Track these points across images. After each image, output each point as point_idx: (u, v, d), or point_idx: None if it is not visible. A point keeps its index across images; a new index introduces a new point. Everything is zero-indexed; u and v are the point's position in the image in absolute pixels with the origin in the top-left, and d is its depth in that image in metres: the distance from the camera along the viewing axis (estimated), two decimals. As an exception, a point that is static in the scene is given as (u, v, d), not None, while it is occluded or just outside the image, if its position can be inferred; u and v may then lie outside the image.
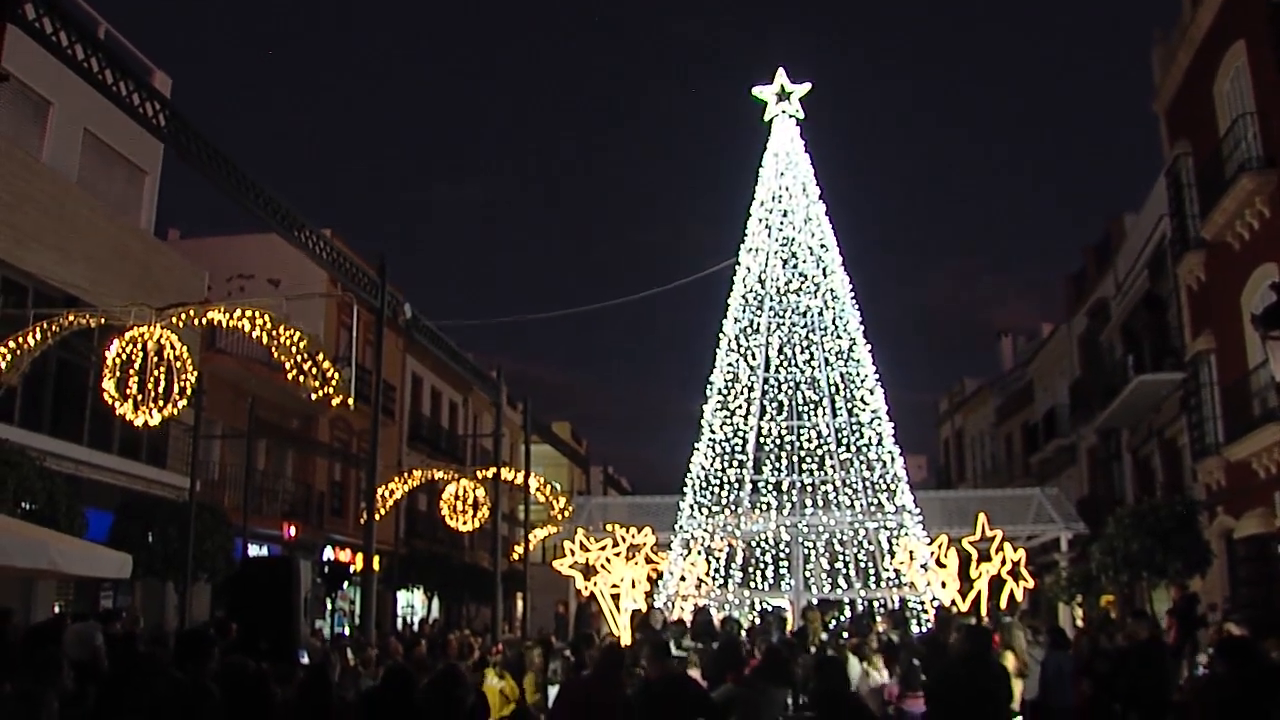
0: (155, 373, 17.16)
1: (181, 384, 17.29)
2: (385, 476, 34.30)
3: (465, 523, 35.58)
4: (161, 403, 17.17)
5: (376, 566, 25.73)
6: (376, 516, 23.73)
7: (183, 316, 18.16)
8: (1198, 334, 29.25)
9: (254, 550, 31.23)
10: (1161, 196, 31.88)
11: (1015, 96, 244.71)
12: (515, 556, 41.67)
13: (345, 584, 34.70)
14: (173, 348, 17.37)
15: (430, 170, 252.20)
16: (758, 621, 23.55)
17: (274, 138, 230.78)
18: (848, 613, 25.23)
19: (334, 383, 17.92)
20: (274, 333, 17.71)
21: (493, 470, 33.41)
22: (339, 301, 35.29)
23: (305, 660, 15.48)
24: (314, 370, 17.76)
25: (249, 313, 17.97)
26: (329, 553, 38.15)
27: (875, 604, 25.58)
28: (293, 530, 33.31)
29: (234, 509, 30.13)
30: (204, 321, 18.93)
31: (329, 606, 32.25)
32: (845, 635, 21.16)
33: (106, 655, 14.54)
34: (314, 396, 18.41)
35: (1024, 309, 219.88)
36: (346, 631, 33.47)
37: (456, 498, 35.45)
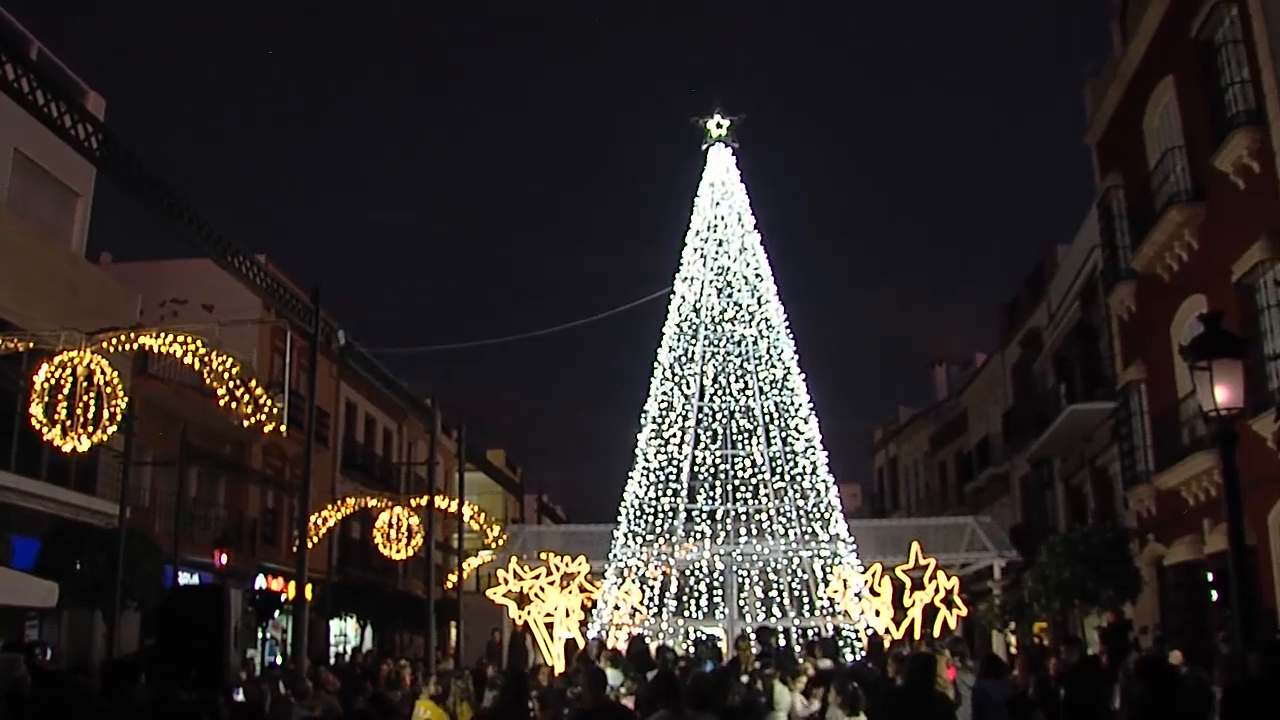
0: (85, 398, 16.98)
1: (112, 409, 17.11)
2: (318, 504, 34.07)
3: (399, 551, 35.42)
4: (91, 428, 16.98)
5: (309, 595, 25.54)
6: (309, 544, 23.56)
7: (114, 341, 18.00)
8: (1129, 364, 29.55)
9: (185, 578, 30.92)
10: (1093, 228, 32.21)
11: (951, 125, 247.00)
12: (449, 585, 41.46)
13: (277, 613, 34.42)
14: (103, 373, 17.19)
15: (366, 195, 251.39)
16: (692, 650, 23.51)
17: (210, 161, 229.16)
18: (779, 642, 25.25)
19: (267, 409, 17.82)
20: (206, 358, 17.60)
21: (427, 498, 33.23)
22: (273, 328, 35.07)
23: (239, 697, 15.31)
24: (247, 396, 17.66)
25: (181, 338, 17.85)
26: (261, 581, 37.81)
27: (809, 632, 25.59)
28: (224, 558, 32.96)
29: (164, 536, 29.80)
30: (135, 346, 18.77)
31: (260, 635, 31.94)
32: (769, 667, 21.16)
33: (31, 686, 14.32)
34: (247, 423, 18.30)
35: (958, 338, 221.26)
36: (278, 661, 33.15)
37: (390, 526, 35.30)
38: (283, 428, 18.86)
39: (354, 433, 49.09)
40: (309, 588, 24.64)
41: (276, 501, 42.40)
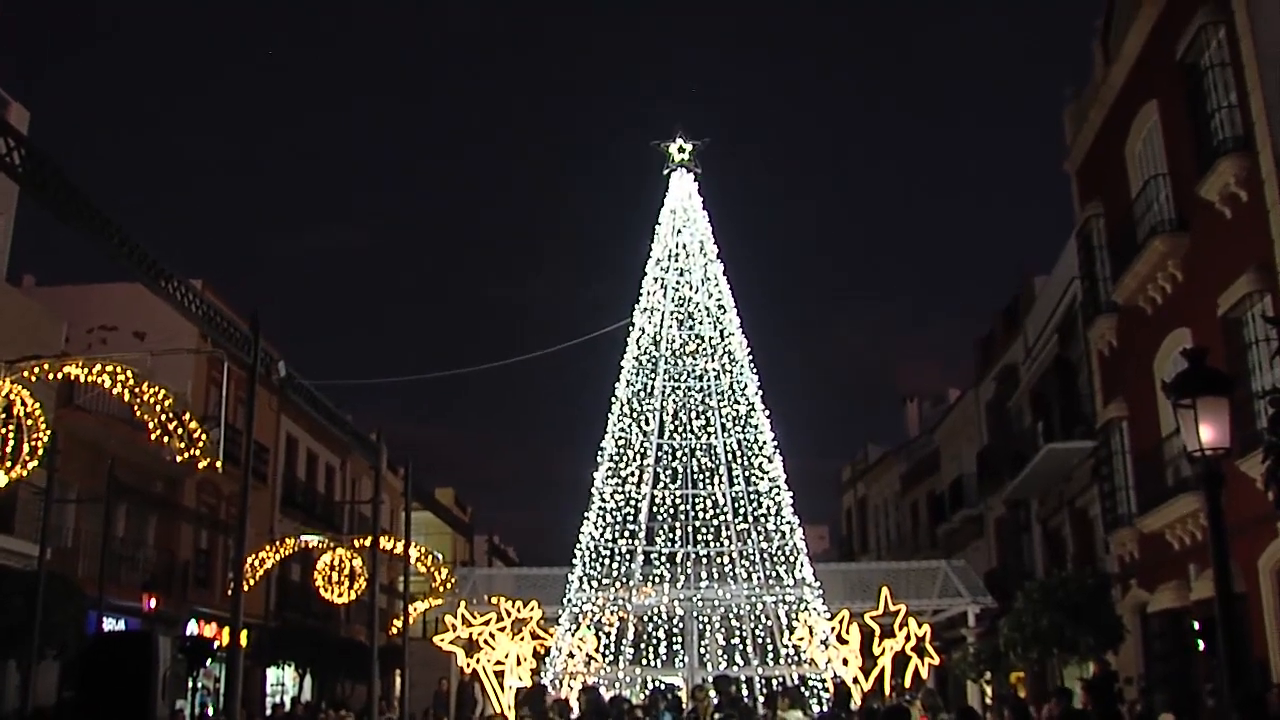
0: (3, 430, 16.68)
1: (33, 443, 16.80)
2: (256, 544, 33.70)
3: (341, 594, 35.00)
4: (10, 463, 16.67)
5: (244, 641, 25.19)
6: (245, 587, 23.25)
7: (36, 370, 17.69)
8: (1109, 401, 29.55)
9: (110, 624, 30.46)
10: (1072, 258, 32.26)
11: (926, 150, 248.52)
12: (394, 631, 41.13)
13: (209, 661, 33.98)
14: (24, 404, 16.89)
15: (310, 220, 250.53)
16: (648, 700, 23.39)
17: (143, 182, 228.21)
18: (742, 691, 25.12)
19: (201, 444, 17.57)
20: (137, 389, 17.33)
21: (371, 538, 32.94)
22: (209, 357, 34.74)
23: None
24: (180, 430, 17.41)
25: (110, 367, 17.57)
26: (192, 627, 37.36)
27: (774, 682, 25.50)
28: (153, 602, 32.53)
29: (88, 579, 29.33)
30: (60, 376, 18.46)
31: (191, 685, 31.52)
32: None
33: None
34: (179, 458, 18.03)
35: (931, 373, 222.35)
36: (210, 713, 32.74)
37: (332, 568, 34.87)
38: (218, 463, 18.57)
39: (294, 469, 48.71)
40: (244, 633, 24.28)
41: (211, 542, 41.97)
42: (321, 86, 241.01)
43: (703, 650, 27.34)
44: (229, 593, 29.42)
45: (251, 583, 32.61)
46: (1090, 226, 30.03)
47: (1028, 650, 26.52)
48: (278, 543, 35.95)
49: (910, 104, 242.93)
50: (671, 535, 27.32)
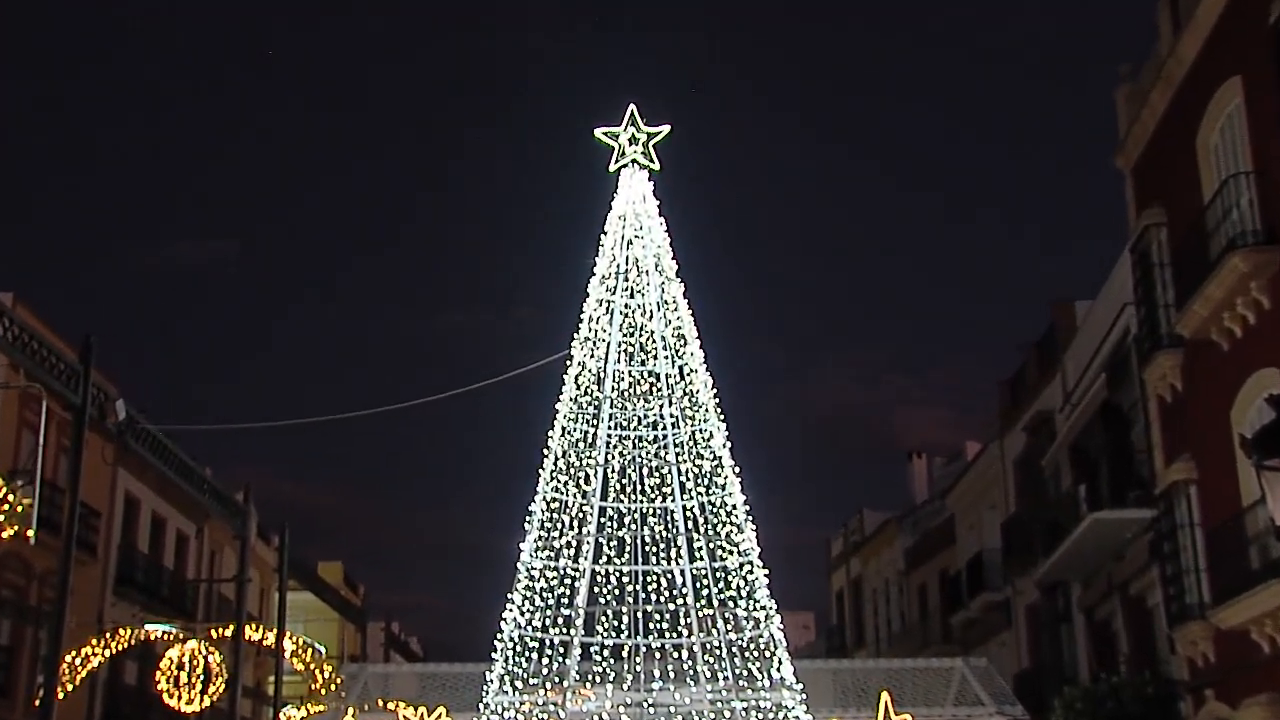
0: None
1: None
2: (79, 637, 33.14)
3: (191, 701, 34.54)
4: None
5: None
6: (60, 695, 22.82)
7: None
8: (1173, 459, 29.34)
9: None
10: (1125, 279, 32.14)
11: (932, 145, 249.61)
12: (261, 746, 40.64)
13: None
14: None
15: (163, 225, 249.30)
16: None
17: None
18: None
19: (6, 507, 17.18)
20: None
21: (233, 627, 32.54)
22: (21, 394, 34.31)
23: None
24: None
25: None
26: (-14, 750, 36.82)
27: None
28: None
29: None
30: None
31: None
32: None
33: None
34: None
35: (944, 421, 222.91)
36: None
37: (180, 666, 34.46)
38: (30, 532, 18.16)
39: (134, 538, 48.08)
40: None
41: (15, 634, 41.26)
42: (193, 68, 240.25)
43: (655, 771, 27.15)
44: (37, 702, 28.89)
45: (70, 687, 32.07)
46: (1149, 239, 29.89)
47: (1070, 776, 26.36)
48: (108, 635, 35.42)
49: (907, 91, 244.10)
50: (616, 623, 27.16)
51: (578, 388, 28.79)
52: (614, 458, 28.19)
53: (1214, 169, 27.12)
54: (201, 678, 34.25)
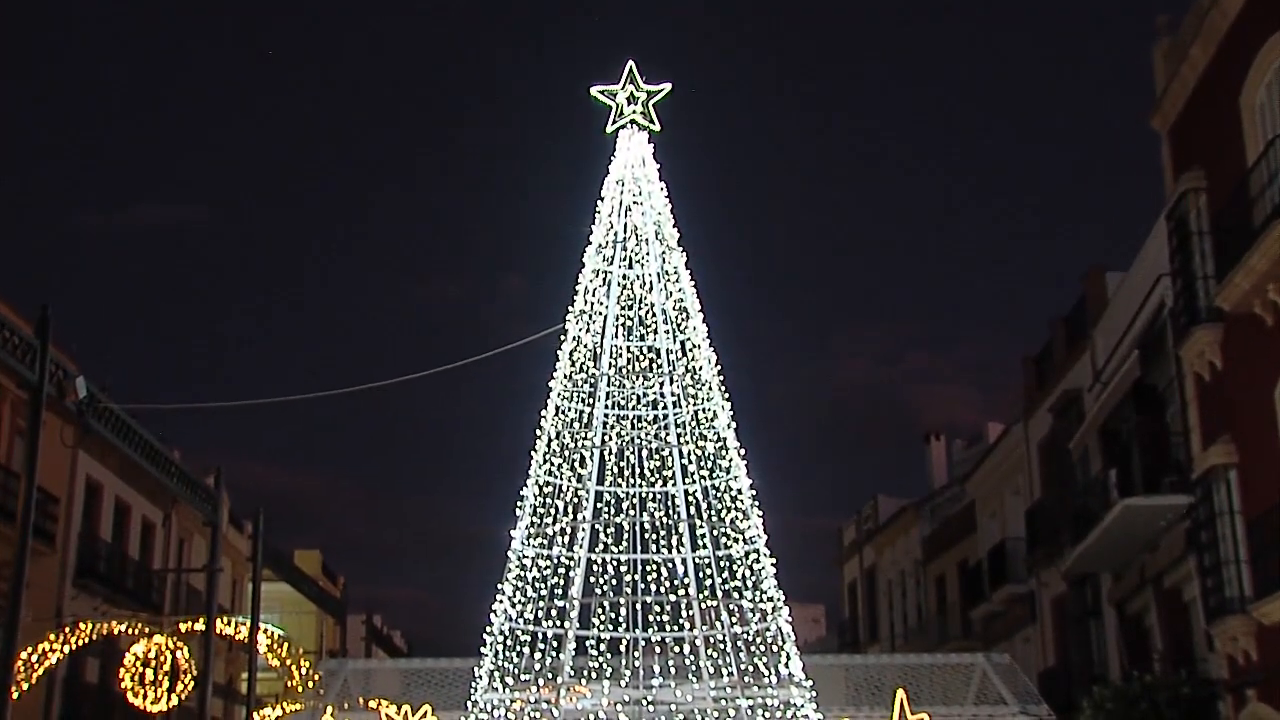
0: None
1: None
2: (35, 632, 33.18)
3: (158, 700, 34.59)
4: None
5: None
6: (15, 694, 22.87)
7: None
8: (1211, 442, 29.34)
9: None
10: (1160, 249, 32.09)
11: (955, 103, 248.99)
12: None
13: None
14: None
15: (128, 187, 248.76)
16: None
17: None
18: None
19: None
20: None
21: (203, 620, 32.57)
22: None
23: None
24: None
25: None
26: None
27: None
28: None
29: None
30: None
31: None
32: None
33: None
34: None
35: (968, 401, 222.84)
36: None
37: (146, 663, 34.47)
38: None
39: (96, 526, 48.05)
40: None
41: (-36, 630, 41.40)
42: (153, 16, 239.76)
43: (655, 774, 27.20)
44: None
45: (25, 687, 32.10)
46: (1187, 204, 29.81)
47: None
48: (67, 629, 35.43)
49: (931, 50, 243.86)
50: (614, 615, 27.17)
51: (573, 364, 28.79)
52: (611, 439, 28.19)
53: (1259, 129, 27.01)
54: (169, 675, 34.28)
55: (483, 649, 28.00)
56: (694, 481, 27.82)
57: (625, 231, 29.53)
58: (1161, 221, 32.04)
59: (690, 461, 27.94)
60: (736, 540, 27.46)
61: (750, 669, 26.81)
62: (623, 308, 28.94)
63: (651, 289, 29.04)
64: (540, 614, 27.40)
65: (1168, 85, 31.61)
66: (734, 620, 27.07)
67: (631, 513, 27.67)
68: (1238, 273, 26.26)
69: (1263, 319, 26.40)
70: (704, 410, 28.23)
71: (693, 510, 27.65)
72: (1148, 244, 34.58)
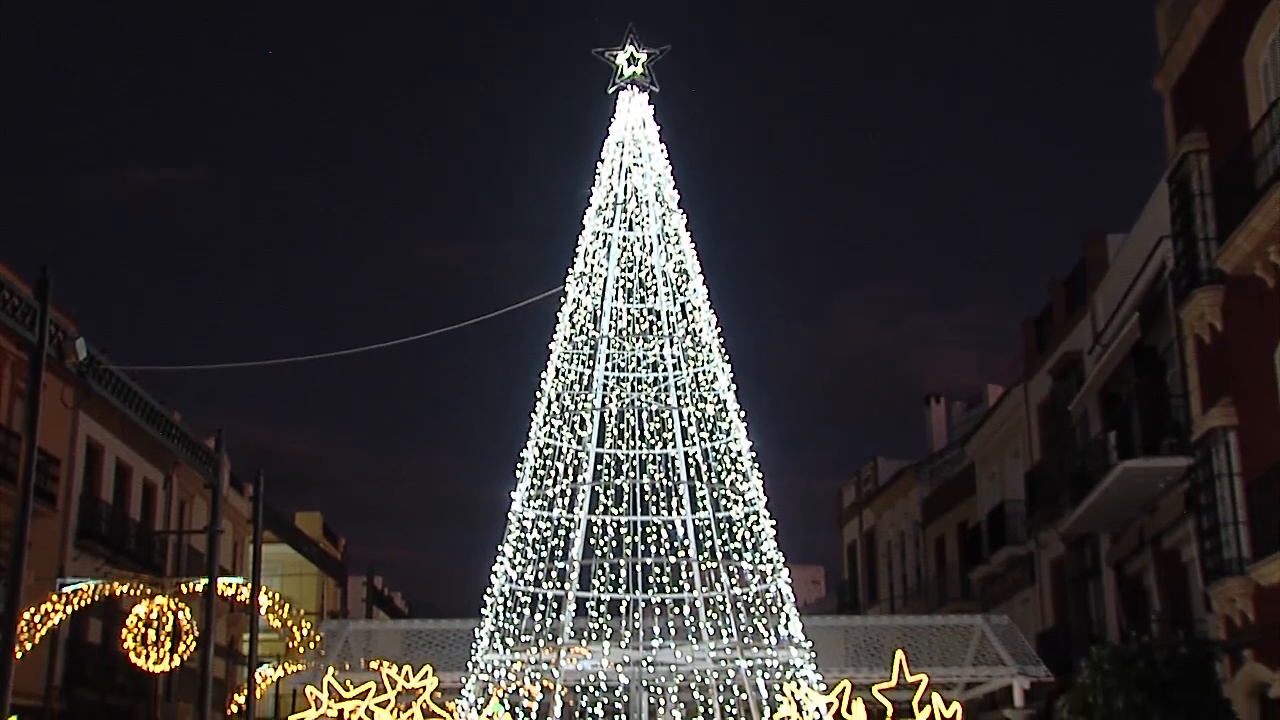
0: None
1: None
2: (37, 593, 33.24)
3: (159, 660, 34.65)
4: None
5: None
6: (17, 655, 22.88)
7: None
8: (1210, 404, 29.34)
9: None
10: (1161, 211, 32.04)
11: (956, 71, 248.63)
12: (235, 709, 40.70)
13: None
14: None
15: (127, 151, 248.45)
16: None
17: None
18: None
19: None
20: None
21: (205, 582, 32.59)
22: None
23: None
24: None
25: None
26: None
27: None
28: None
29: None
30: None
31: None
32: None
33: None
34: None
35: (964, 366, 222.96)
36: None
37: (147, 624, 34.51)
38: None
39: (97, 487, 48.11)
40: None
41: (-33, 590, 41.42)
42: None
43: (655, 734, 27.27)
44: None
45: (28, 647, 32.16)
46: (1189, 166, 29.75)
47: (1098, 742, 26.33)
48: (68, 590, 35.46)
49: (933, 7, 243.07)
50: (614, 577, 27.21)
51: (573, 326, 28.77)
52: (611, 401, 28.19)
53: (1262, 90, 26.92)
54: (170, 636, 34.34)
55: (483, 610, 28.03)
56: (694, 443, 27.84)
57: (625, 193, 29.50)
58: (1163, 183, 32.00)
59: (690, 423, 27.96)
60: (736, 502, 27.48)
61: (750, 630, 26.84)
62: (623, 270, 28.93)
63: (651, 251, 29.02)
64: (540, 575, 27.45)
65: (1170, 46, 31.51)
66: (734, 582, 27.11)
67: (631, 475, 27.71)
68: (1239, 234, 26.22)
69: (1264, 281, 26.37)
70: (704, 372, 28.23)
71: (693, 472, 27.69)
72: (1149, 206, 34.55)
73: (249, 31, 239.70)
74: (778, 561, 27.49)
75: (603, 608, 27.14)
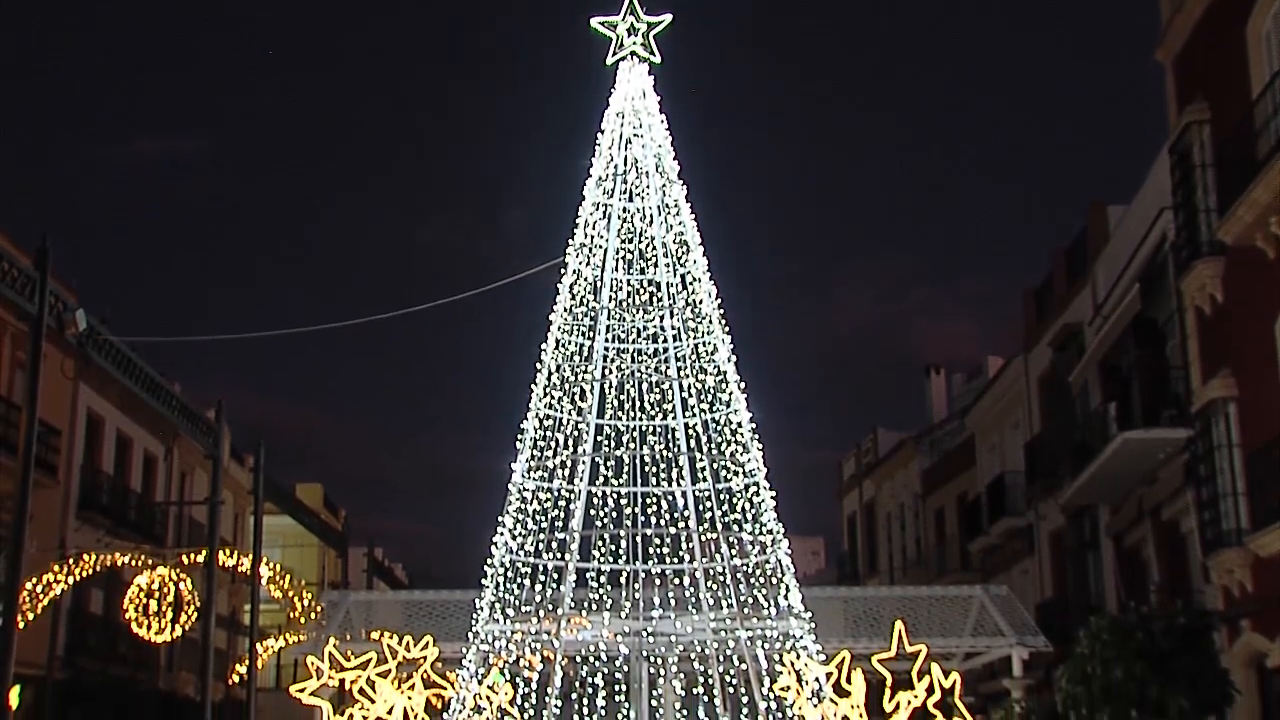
0: None
1: None
2: (39, 563, 33.27)
3: (161, 631, 34.69)
4: None
5: (16, 700, 24.88)
6: (20, 625, 22.92)
7: None
8: (1210, 375, 29.34)
9: None
10: (1162, 182, 32.00)
11: (957, 41, 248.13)
12: (236, 679, 40.76)
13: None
14: None
15: (127, 120, 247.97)
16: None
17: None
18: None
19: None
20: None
21: (205, 552, 32.63)
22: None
23: None
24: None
25: None
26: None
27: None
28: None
29: None
30: None
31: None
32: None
33: None
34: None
35: (964, 337, 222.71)
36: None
37: (149, 594, 34.55)
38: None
39: (98, 458, 48.16)
40: (16, 690, 24.02)
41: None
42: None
43: (655, 703, 27.26)
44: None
45: (31, 617, 32.19)
46: (1190, 137, 29.69)
47: (1095, 712, 26.30)
48: (70, 561, 35.48)
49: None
50: (614, 548, 27.20)
51: (573, 297, 28.71)
52: (611, 372, 28.16)
53: (1264, 60, 26.85)
54: (172, 606, 34.38)
55: (484, 581, 28.04)
56: (694, 415, 27.81)
57: (625, 164, 29.46)
58: (1164, 154, 31.95)
59: (690, 395, 27.92)
60: (736, 473, 27.46)
61: (750, 601, 26.84)
62: (623, 241, 28.87)
63: (651, 222, 28.97)
64: (541, 546, 27.42)
65: (1173, 16, 31.43)
66: (734, 553, 27.09)
67: (632, 446, 27.68)
68: (1240, 206, 26.20)
69: (1264, 252, 26.34)
70: (704, 344, 28.19)
71: (693, 443, 27.65)
72: (1150, 177, 34.51)
73: (250, 10, 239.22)
74: (778, 532, 27.48)
75: (603, 578, 27.13)
